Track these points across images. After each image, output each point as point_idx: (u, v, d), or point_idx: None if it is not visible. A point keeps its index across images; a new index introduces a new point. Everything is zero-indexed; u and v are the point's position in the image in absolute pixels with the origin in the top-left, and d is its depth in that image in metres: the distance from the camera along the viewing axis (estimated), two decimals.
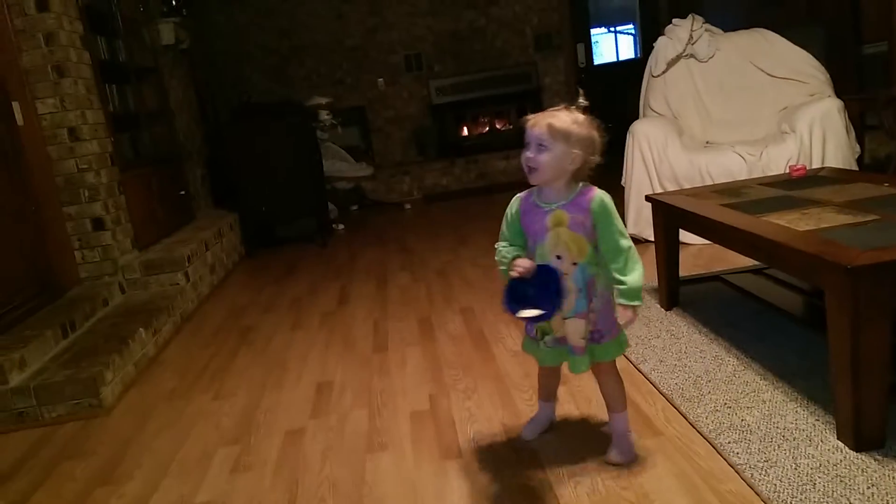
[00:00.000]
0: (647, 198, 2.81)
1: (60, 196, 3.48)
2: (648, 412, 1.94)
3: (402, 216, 6.03)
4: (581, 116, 1.61)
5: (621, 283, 1.58)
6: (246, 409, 2.41)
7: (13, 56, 3.32)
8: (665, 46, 4.10)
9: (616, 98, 6.15)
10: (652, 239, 3.05)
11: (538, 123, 1.59)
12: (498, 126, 7.30)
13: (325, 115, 5.94)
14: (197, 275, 3.97)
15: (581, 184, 1.63)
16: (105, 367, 2.61)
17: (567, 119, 1.59)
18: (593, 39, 7.89)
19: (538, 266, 1.61)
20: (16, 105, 3.30)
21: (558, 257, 1.62)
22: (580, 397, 2.09)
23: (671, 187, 3.58)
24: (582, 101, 1.67)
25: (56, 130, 3.44)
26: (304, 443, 2.09)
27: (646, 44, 7.43)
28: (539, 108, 6.50)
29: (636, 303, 1.58)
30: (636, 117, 4.07)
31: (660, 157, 3.65)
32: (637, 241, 3.58)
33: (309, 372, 2.67)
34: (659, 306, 2.75)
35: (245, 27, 7.03)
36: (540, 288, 1.58)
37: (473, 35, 7.19)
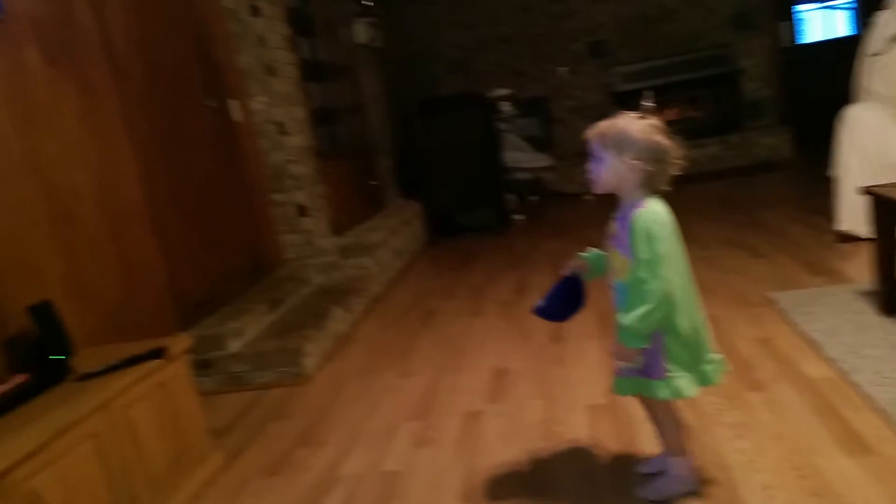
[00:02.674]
0: (863, 190, 2.52)
1: (270, 185, 3.87)
2: (859, 428, 1.75)
3: (582, 207, 5.94)
4: (641, 122, 1.47)
5: (618, 318, 1.47)
6: (427, 388, 2.52)
7: (230, 58, 3.72)
8: (887, 21, 3.62)
9: (826, 81, 5.55)
10: (867, 236, 2.73)
11: (593, 131, 1.50)
12: (689, 113, 6.92)
13: (506, 107, 6.00)
14: (385, 260, 4.22)
15: (642, 196, 1.49)
16: (306, 340, 2.87)
17: (621, 125, 1.47)
18: (799, 16, 7.18)
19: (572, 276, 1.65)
20: (233, 103, 3.71)
21: (610, 270, 1.58)
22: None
23: (889, 179, 3.17)
24: (648, 104, 1.51)
25: (266, 125, 3.82)
26: (481, 425, 2.15)
27: (866, 19, 6.63)
28: (736, 92, 6.03)
29: (623, 341, 1.46)
30: (849, 102, 3.65)
31: (877, 146, 3.24)
32: (850, 238, 3.22)
33: (486, 358, 2.74)
34: (875, 312, 2.45)
35: (433, 23, 7.28)
36: (556, 286, 1.66)
37: (662, 18, 6.86)
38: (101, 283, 2.41)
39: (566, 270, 1.68)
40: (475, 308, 3.46)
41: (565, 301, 1.68)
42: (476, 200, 5.34)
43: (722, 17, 6.75)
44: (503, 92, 6.09)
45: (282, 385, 2.78)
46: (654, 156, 1.45)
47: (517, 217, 5.77)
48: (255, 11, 3.72)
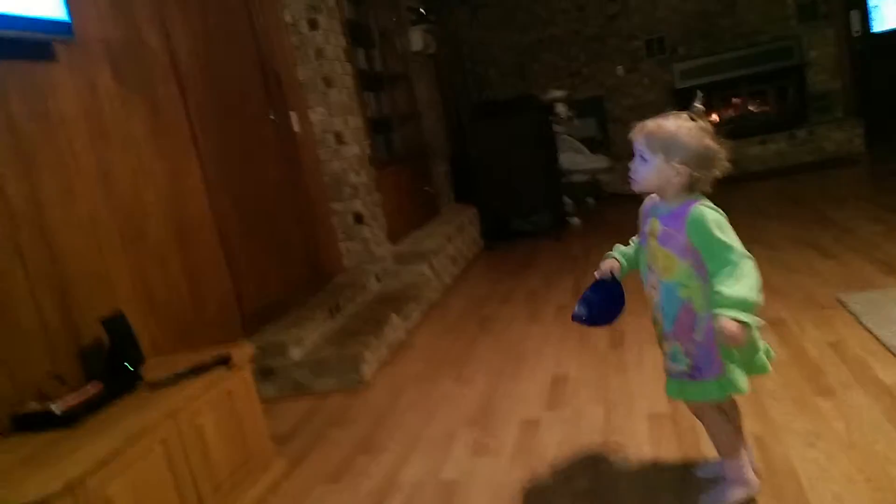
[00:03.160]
0: None
1: (328, 194, 3.94)
2: None
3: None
4: (690, 124, 1.42)
5: (717, 292, 1.35)
6: (485, 395, 2.52)
7: (290, 71, 3.81)
8: None
9: None
10: None
11: (639, 131, 1.46)
12: (752, 108, 6.71)
13: (561, 108, 5.94)
14: (441, 266, 4.23)
15: (690, 195, 1.45)
16: (365, 347, 2.91)
17: (671, 128, 1.42)
18: (872, 3, 6.85)
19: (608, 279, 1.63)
20: (293, 114, 3.79)
21: (650, 269, 1.53)
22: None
23: None
24: (698, 105, 1.45)
25: (324, 135, 3.89)
26: (539, 433, 2.13)
27: None
28: (803, 85, 5.83)
29: (736, 314, 1.31)
30: None
31: None
32: None
33: (544, 364, 2.71)
34: None
35: (487, 27, 7.28)
36: (594, 290, 1.64)
37: (723, 11, 6.67)
38: (169, 293, 2.51)
39: (601, 273, 1.66)
40: (532, 313, 3.44)
41: (605, 304, 1.66)
42: (532, 204, 5.30)
43: (786, 7, 6.51)
44: (558, 94, 6.04)
45: (341, 391, 2.82)
46: (703, 160, 1.42)
47: (574, 220, 5.71)
48: (313, 25, 3.80)
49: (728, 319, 1.31)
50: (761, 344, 1.52)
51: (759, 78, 6.48)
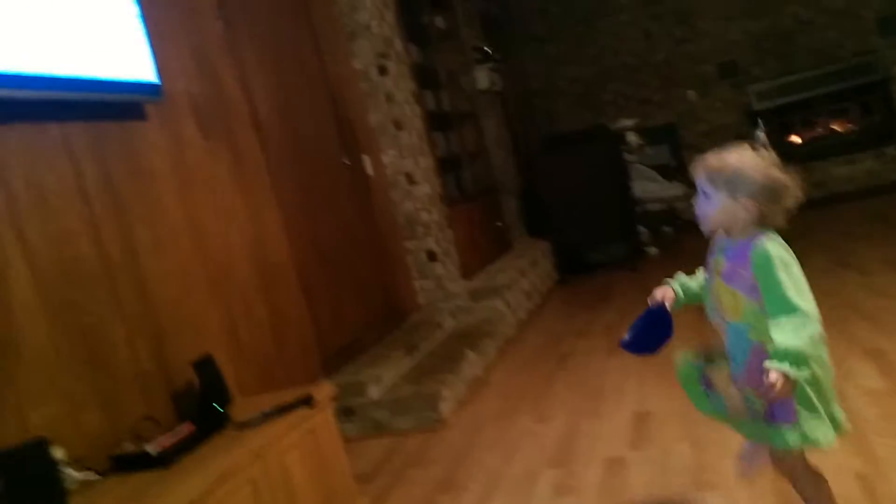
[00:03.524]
0: None
1: (401, 233, 4.01)
2: None
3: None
4: (755, 158, 1.34)
5: (772, 339, 1.26)
6: (566, 434, 2.47)
7: (362, 116, 3.94)
8: None
9: None
10: None
11: (700, 167, 1.38)
12: (836, 127, 6.43)
13: (632, 137, 5.87)
14: (515, 301, 4.21)
15: (759, 229, 1.35)
16: (442, 385, 2.91)
17: (733, 162, 1.34)
18: None
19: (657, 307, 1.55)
20: (366, 158, 3.90)
21: (716, 309, 1.43)
22: None
23: None
24: (761, 135, 1.37)
25: (396, 177, 3.98)
26: (625, 473, 2.07)
27: None
28: (888, 101, 5.57)
29: (786, 368, 1.22)
30: None
31: None
32: None
33: (626, 400, 2.64)
34: None
35: (552, 61, 7.32)
36: (642, 316, 1.58)
37: (798, 30, 6.48)
38: (254, 334, 2.60)
39: (652, 300, 1.58)
40: (610, 347, 3.36)
41: (652, 332, 1.60)
42: (606, 235, 5.23)
43: (865, 22, 6.26)
44: (628, 122, 5.98)
45: (420, 430, 2.82)
46: (771, 194, 1.33)
47: (650, 250, 5.58)
48: (382, 71, 3.92)
49: (775, 371, 1.23)
50: (834, 407, 1.38)
51: (840, 95, 6.22)
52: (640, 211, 5.78)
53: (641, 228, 5.58)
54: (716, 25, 6.72)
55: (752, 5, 6.57)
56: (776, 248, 1.33)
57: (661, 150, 6.76)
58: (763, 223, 1.37)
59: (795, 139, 6.50)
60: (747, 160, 1.35)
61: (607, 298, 4.42)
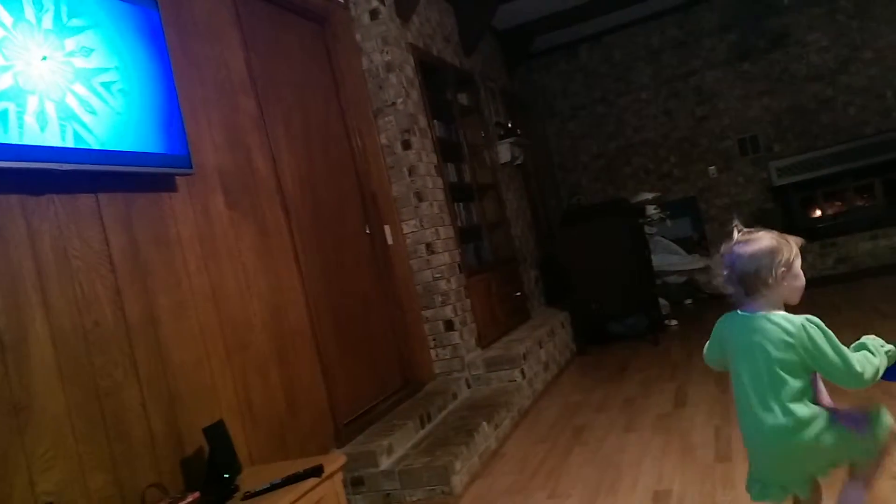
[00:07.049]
0: None
1: (420, 302, 4.04)
2: None
3: None
4: (767, 243, 1.57)
5: None
6: None
7: (386, 187, 4.04)
8: None
9: None
10: None
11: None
12: (860, 203, 6.42)
13: (652, 210, 5.92)
14: (532, 372, 4.18)
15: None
16: (455, 457, 2.87)
17: (748, 257, 1.60)
18: None
19: None
20: (387, 228, 3.98)
21: None
22: None
23: None
24: (737, 224, 1.62)
25: (416, 246, 4.04)
26: None
27: None
28: None
29: None
30: None
31: None
32: None
33: (644, 478, 2.58)
34: None
35: (574, 136, 7.48)
36: None
37: (819, 108, 6.56)
38: (268, 402, 2.61)
39: None
40: (630, 422, 3.30)
41: None
42: (626, 307, 5.19)
43: (888, 101, 6.34)
44: (648, 195, 6.04)
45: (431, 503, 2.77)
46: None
47: (671, 323, 5.52)
48: (406, 146, 4.05)
49: None
50: None
51: (864, 171, 6.24)
52: (660, 283, 5.76)
53: (662, 301, 5.55)
54: (736, 103, 6.85)
55: (772, 84, 6.70)
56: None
57: (683, 222, 6.79)
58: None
59: (816, 213, 6.50)
60: (758, 249, 1.61)
61: (627, 371, 4.36)
